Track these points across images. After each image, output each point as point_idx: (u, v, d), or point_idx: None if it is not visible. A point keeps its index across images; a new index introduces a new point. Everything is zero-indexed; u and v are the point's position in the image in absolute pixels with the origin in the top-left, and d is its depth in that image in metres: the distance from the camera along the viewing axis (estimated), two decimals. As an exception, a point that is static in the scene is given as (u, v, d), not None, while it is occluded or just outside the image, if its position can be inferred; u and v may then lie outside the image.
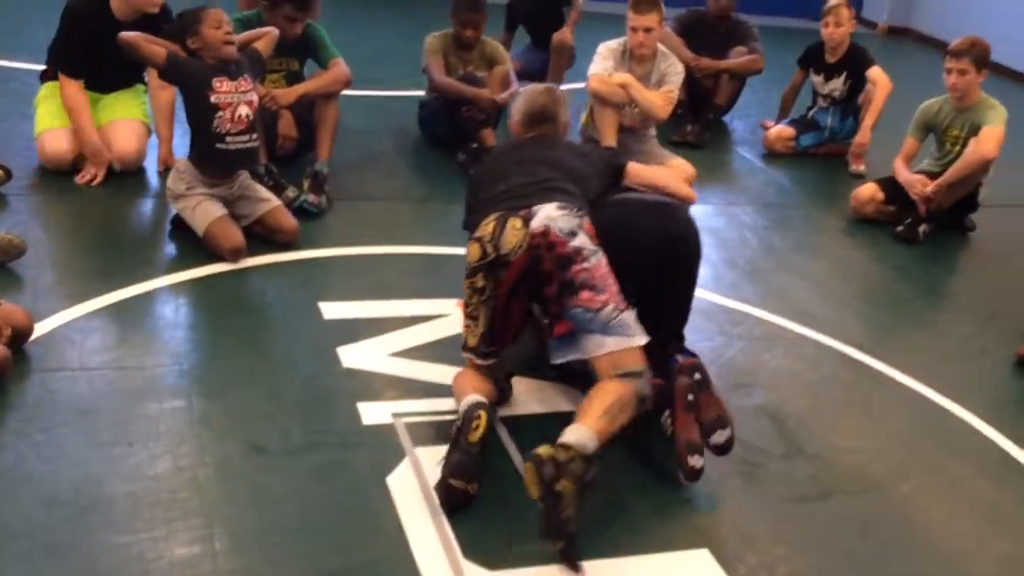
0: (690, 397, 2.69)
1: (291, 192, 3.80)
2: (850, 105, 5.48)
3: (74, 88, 3.86)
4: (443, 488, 2.40)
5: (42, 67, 4.10)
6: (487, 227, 2.60)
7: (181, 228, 3.53)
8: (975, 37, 4.57)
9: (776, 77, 5.90)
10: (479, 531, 2.35)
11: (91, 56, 3.86)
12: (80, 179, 3.85)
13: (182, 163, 3.54)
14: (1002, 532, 2.73)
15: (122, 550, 2.18)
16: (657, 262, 2.89)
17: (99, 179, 3.86)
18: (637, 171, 3.09)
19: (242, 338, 3.07)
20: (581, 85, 4.85)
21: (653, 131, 4.82)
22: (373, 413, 2.75)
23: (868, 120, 5.28)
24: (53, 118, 3.94)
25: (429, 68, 4.65)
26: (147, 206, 3.89)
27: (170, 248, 3.52)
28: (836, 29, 5.37)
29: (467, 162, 4.42)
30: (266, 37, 3.70)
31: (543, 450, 2.28)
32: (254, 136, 3.52)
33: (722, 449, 2.69)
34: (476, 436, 2.43)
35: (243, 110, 3.46)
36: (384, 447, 2.63)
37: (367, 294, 3.37)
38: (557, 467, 2.25)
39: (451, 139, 4.65)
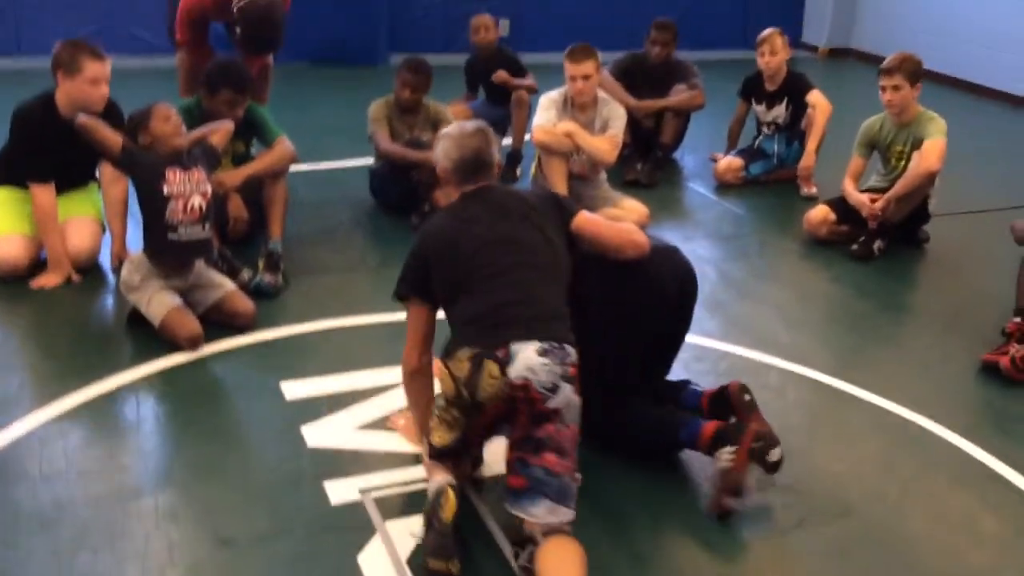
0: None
1: (246, 274, 3.80)
2: (795, 130, 5.57)
3: (47, 195, 3.86)
4: (425, 572, 2.38)
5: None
6: (461, 365, 2.45)
7: (138, 321, 3.51)
8: (905, 53, 4.67)
9: (723, 110, 5.99)
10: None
11: (45, 158, 3.86)
12: (35, 284, 3.83)
13: (136, 256, 3.54)
14: (981, 543, 2.73)
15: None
16: (678, 306, 2.95)
17: (55, 286, 3.84)
18: (588, 224, 2.81)
19: (205, 428, 3.04)
20: (529, 136, 4.91)
21: (603, 175, 4.87)
22: (341, 491, 2.72)
23: (811, 144, 5.37)
24: (7, 224, 3.93)
25: (374, 136, 4.69)
26: (104, 302, 3.87)
27: (128, 343, 3.50)
28: (772, 58, 5.48)
29: (420, 224, 4.44)
30: (221, 130, 3.75)
31: None
32: (208, 227, 3.54)
33: (775, 467, 2.78)
34: (447, 515, 2.39)
35: (196, 201, 3.48)
36: (354, 525, 2.60)
37: (329, 369, 3.36)
38: None
39: (403, 203, 4.68)
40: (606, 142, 4.63)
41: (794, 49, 9.15)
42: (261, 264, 3.90)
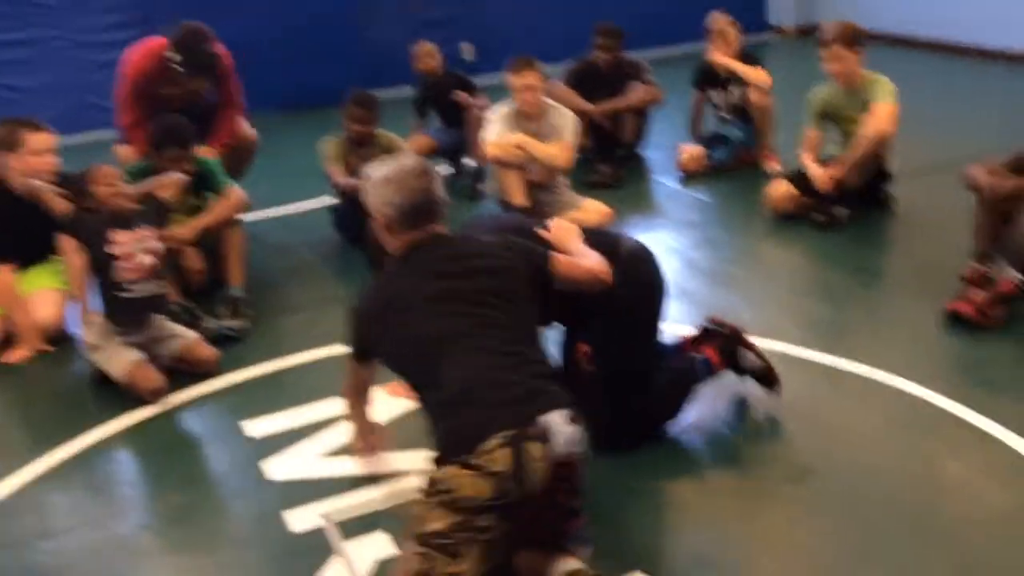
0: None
1: (209, 323, 3.85)
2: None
3: (4, 275, 3.95)
4: None
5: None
6: (496, 456, 2.09)
7: (105, 380, 3.57)
8: (842, 21, 4.69)
9: (687, 103, 5.99)
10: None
11: (3, 236, 3.95)
12: (4, 359, 3.90)
13: (95, 315, 3.61)
14: (948, 488, 2.71)
15: None
16: (649, 282, 2.99)
17: (25, 359, 3.91)
18: (560, 268, 2.58)
19: (172, 476, 3.08)
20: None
21: (563, 180, 4.90)
22: (302, 518, 2.75)
23: (767, 132, 5.42)
24: None
25: (330, 173, 4.75)
26: (73, 368, 3.90)
27: (96, 403, 3.54)
28: (728, 48, 5.48)
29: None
30: (167, 183, 3.80)
31: None
32: (160, 283, 3.60)
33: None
34: None
35: (144, 259, 3.54)
36: (315, 548, 2.62)
37: (293, 403, 3.39)
38: None
39: (367, 236, 4.72)
40: (557, 148, 4.66)
41: (762, 32, 9.24)
42: (223, 311, 3.95)
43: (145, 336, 3.57)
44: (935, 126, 5.88)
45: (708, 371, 3.12)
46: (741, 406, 3.18)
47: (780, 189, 4.80)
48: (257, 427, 3.27)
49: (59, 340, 3.97)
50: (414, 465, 2.79)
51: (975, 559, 2.46)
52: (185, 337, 3.63)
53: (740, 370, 3.19)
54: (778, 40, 9.34)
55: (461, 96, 5.60)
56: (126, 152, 4.63)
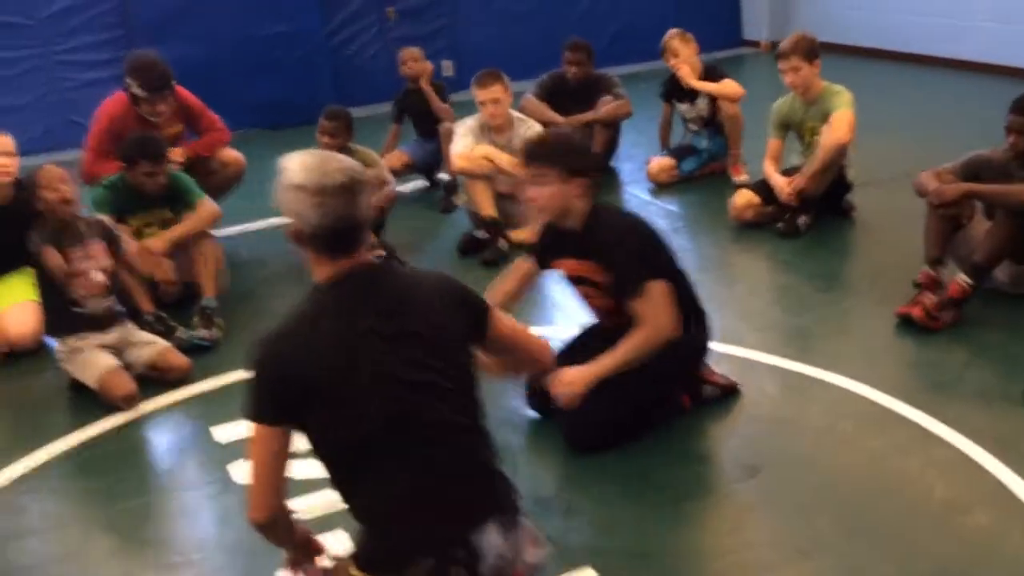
0: None
1: (181, 334, 3.93)
2: (718, 123, 5.69)
3: None
4: None
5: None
6: None
7: (81, 387, 3.64)
8: (799, 33, 4.82)
9: (658, 116, 6.10)
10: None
11: None
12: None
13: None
14: (894, 488, 2.81)
15: None
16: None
17: None
18: (502, 329, 2.23)
19: (139, 481, 3.18)
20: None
21: (532, 192, 5.00)
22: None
23: (734, 145, 5.54)
24: None
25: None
26: (46, 378, 3.96)
27: (68, 412, 3.62)
28: (676, 60, 5.59)
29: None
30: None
31: None
32: (112, 298, 3.68)
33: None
34: None
35: (95, 276, 3.61)
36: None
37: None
38: None
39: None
40: (524, 159, 4.76)
41: (737, 47, 9.39)
42: (196, 320, 4.04)
43: (114, 337, 3.65)
44: (900, 134, 6.01)
45: (677, 411, 3.26)
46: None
47: (742, 198, 4.91)
48: (225, 432, 3.35)
49: (37, 351, 4.04)
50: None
51: (917, 552, 2.56)
52: (156, 344, 3.72)
53: (701, 401, 3.33)
54: (752, 54, 9.48)
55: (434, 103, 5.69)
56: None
